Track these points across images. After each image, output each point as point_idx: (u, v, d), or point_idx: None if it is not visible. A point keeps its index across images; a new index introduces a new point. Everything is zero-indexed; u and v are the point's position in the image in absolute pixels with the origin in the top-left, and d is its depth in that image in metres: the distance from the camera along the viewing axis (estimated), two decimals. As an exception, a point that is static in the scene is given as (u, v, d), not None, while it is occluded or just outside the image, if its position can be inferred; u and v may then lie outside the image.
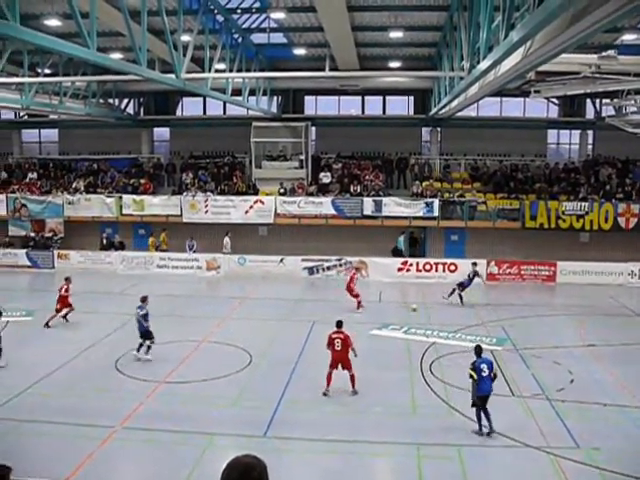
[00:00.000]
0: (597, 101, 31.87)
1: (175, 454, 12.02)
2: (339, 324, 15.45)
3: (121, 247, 32.38)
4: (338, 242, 31.00)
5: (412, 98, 35.19)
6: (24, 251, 32.00)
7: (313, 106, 36.25)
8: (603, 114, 29.54)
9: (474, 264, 25.27)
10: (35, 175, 35.53)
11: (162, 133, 38.36)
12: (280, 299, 25.57)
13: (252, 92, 28.16)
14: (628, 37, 21.78)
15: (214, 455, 11.94)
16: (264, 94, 30.40)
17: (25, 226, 33.77)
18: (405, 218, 30.31)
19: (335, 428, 13.29)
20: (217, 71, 22.69)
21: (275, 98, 34.34)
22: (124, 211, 32.08)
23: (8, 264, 31.37)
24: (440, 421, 13.68)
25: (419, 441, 12.62)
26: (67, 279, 21.97)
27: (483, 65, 14.20)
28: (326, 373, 15.02)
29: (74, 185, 33.76)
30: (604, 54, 16.28)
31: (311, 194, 31.80)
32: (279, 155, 33.82)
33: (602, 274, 28.26)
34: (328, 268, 29.68)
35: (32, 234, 33.54)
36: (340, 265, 29.47)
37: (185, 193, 32.19)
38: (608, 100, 26.89)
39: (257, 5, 21.66)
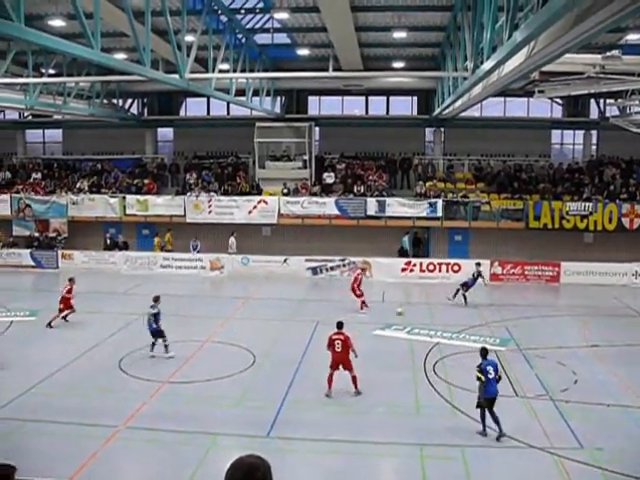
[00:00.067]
0: (601, 101, 31.84)
1: (178, 454, 12.03)
2: (339, 325, 15.42)
3: (125, 247, 32.42)
4: (341, 242, 31.00)
5: (416, 98, 35.14)
6: (28, 251, 32.07)
7: (317, 106, 36.24)
8: (607, 114, 29.54)
9: (478, 264, 25.24)
10: (39, 175, 35.60)
11: (166, 133, 38.41)
12: (284, 299, 25.57)
13: (256, 92, 28.18)
14: (632, 37, 21.70)
15: (217, 455, 11.95)
16: (268, 94, 30.41)
17: (29, 226, 33.85)
18: (409, 218, 30.31)
19: (338, 428, 13.28)
20: (221, 71, 22.72)
21: (279, 98, 34.36)
22: (128, 211, 32.14)
23: (12, 264, 31.43)
24: (444, 421, 13.66)
25: (422, 441, 12.61)
26: (71, 280, 22.01)
27: (487, 65, 14.20)
28: (327, 375, 15.03)
29: (78, 185, 33.83)
30: (608, 54, 16.24)
31: (315, 194, 31.81)
32: (282, 155, 33.84)
33: (606, 274, 28.22)
34: (332, 268, 29.68)
35: (36, 234, 33.62)
36: (344, 265, 29.46)
37: (189, 193, 32.23)
38: (612, 100, 26.84)
39: (261, 5, 21.67)
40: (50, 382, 15.78)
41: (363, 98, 35.51)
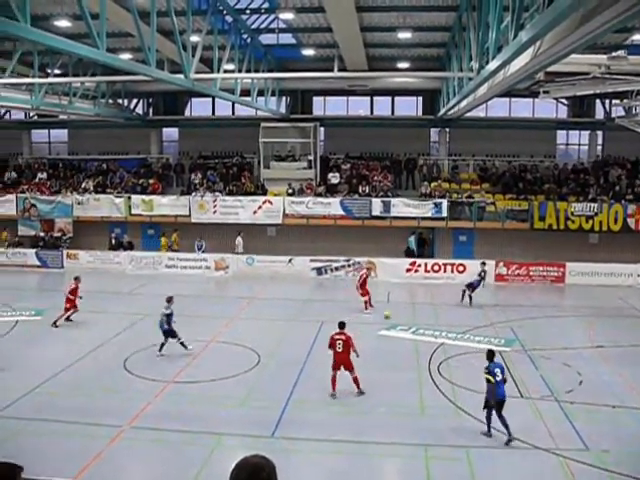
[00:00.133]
0: (607, 101, 31.74)
1: (183, 454, 12.04)
2: (341, 325, 15.42)
3: (130, 247, 32.48)
4: (346, 243, 30.99)
5: (421, 99, 35.14)
6: (33, 251, 32.15)
7: (322, 106, 36.26)
8: (613, 114, 29.41)
9: (483, 263, 25.23)
10: (45, 175, 35.67)
11: (171, 133, 38.45)
12: (288, 299, 25.58)
13: (261, 92, 28.17)
14: (638, 37, 21.67)
15: (222, 455, 11.96)
16: (273, 94, 30.42)
17: (34, 226, 33.91)
18: (413, 219, 30.29)
19: (343, 428, 13.29)
20: (226, 71, 22.70)
21: (284, 98, 34.37)
22: (133, 211, 32.20)
23: (18, 264, 31.53)
24: (448, 422, 13.65)
25: (427, 442, 12.60)
26: (76, 278, 22.11)
27: (492, 65, 14.16)
28: (330, 376, 15.03)
29: (83, 185, 33.90)
30: (614, 54, 16.19)
31: (319, 194, 31.80)
32: (287, 155, 33.84)
33: (611, 275, 28.17)
34: (336, 269, 29.68)
35: (41, 234, 33.67)
36: (348, 266, 29.46)
37: (194, 193, 32.26)
38: (618, 100, 26.75)
39: (266, 6, 21.67)
40: (55, 382, 15.82)
41: (368, 98, 35.50)
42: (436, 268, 29.15)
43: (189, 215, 31.68)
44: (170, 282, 27.77)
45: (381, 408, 14.35)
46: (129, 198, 32.34)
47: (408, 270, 29.22)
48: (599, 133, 34.59)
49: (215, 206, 31.55)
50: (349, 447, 12.47)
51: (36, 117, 36.47)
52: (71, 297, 21.54)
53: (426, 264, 29.33)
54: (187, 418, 13.60)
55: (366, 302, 23.35)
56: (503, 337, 20.01)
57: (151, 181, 33.90)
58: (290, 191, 32.05)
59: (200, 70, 20.96)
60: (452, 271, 28.87)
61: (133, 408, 14.08)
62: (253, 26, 24.01)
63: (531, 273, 28.76)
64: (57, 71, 26.38)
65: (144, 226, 33.70)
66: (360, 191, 31.94)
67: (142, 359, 17.72)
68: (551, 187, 31.38)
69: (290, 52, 27.92)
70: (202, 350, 18.57)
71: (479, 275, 24.70)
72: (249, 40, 24.93)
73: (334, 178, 33.15)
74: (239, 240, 30.70)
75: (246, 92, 26.33)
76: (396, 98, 35.42)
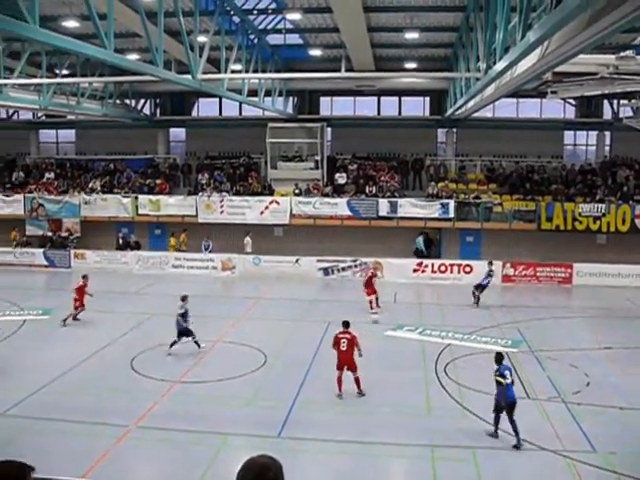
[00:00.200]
0: (614, 102, 31.62)
1: (189, 454, 12.06)
2: (346, 324, 15.43)
3: (137, 247, 32.53)
4: (353, 243, 30.98)
5: (428, 99, 35.09)
6: (41, 250, 32.26)
7: (329, 107, 36.24)
8: (621, 115, 29.28)
9: (490, 263, 25.19)
10: (52, 175, 35.77)
11: (178, 133, 38.50)
12: (295, 300, 25.59)
13: (268, 93, 28.19)
14: (646, 37, 21.62)
15: (228, 455, 11.98)
16: (280, 95, 30.44)
17: (42, 226, 34.02)
18: (420, 219, 30.25)
19: (350, 429, 13.29)
20: (233, 72, 22.74)
21: (291, 99, 34.39)
22: (140, 211, 32.26)
23: (25, 263, 31.66)
24: (455, 423, 13.63)
25: (434, 443, 12.59)
26: (84, 276, 22.28)
27: (499, 66, 14.14)
28: (335, 377, 15.02)
29: (91, 185, 33.98)
30: (622, 54, 16.13)
31: (326, 195, 31.79)
32: (294, 156, 33.84)
33: (619, 276, 28.08)
34: (343, 269, 29.67)
35: (49, 234, 33.78)
36: (355, 266, 29.45)
37: (201, 193, 32.29)
38: (626, 101, 26.62)
39: (273, 6, 21.68)
40: (62, 381, 15.86)
41: (375, 99, 35.45)
42: (443, 269, 29.12)
43: (196, 215, 31.73)
44: (177, 282, 27.80)
45: (387, 408, 14.34)
46: (136, 198, 32.40)
47: (415, 271, 29.19)
48: (607, 134, 34.45)
49: (222, 206, 31.59)
50: (355, 447, 12.47)
51: (44, 117, 36.55)
52: (77, 297, 21.64)
53: (433, 265, 29.30)
54: (193, 418, 13.63)
55: (371, 302, 23.32)
56: (510, 338, 19.97)
57: (158, 181, 33.96)
58: (297, 191, 32.05)
59: (207, 70, 20.99)
60: (459, 272, 28.83)
61: (140, 408, 14.11)
62: (260, 26, 24.05)
63: (538, 274, 28.69)
64: (65, 71, 26.46)
65: (151, 226, 33.77)
66: (367, 191, 31.92)
67: (149, 359, 17.76)
68: (558, 188, 31.30)
69: (297, 52, 27.94)
70: (209, 350, 18.59)
71: (488, 275, 24.65)
72: (256, 40, 24.96)
73: (341, 178, 33.14)
74: (248, 240, 30.73)
75: (253, 92, 26.36)
76: (403, 98, 35.37)
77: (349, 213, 30.66)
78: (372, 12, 21.06)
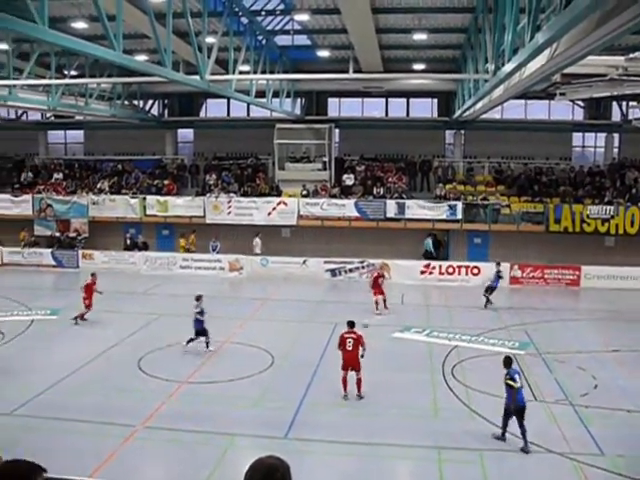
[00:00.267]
0: (623, 104, 31.55)
1: (196, 454, 12.07)
2: (351, 324, 15.43)
3: (145, 247, 32.59)
4: (361, 244, 30.95)
5: (436, 100, 35.03)
6: (49, 251, 32.37)
7: (336, 108, 36.23)
8: (630, 117, 29.25)
9: (498, 264, 25.14)
10: (60, 175, 35.88)
11: (186, 134, 38.56)
12: (302, 301, 25.59)
13: (276, 94, 28.21)
14: (656, 39, 21.49)
15: (235, 455, 12.00)
16: (288, 96, 30.46)
17: (50, 226, 34.13)
18: (428, 221, 30.21)
19: (356, 430, 13.28)
20: (241, 73, 22.76)
21: (299, 100, 34.41)
22: (148, 212, 32.33)
23: (33, 263, 31.77)
24: (462, 425, 13.61)
25: (440, 444, 12.57)
26: (93, 274, 22.52)
27: (508, 67, 14.11)
28: (341, 377, 15.01)
29: (99, 186, 34.09)
30: (631, 56, 16.04)
31: (334, 196, 31.78)
32: (302, 157, 33.87)
33: (627, 278, 27.94)
34: (350, 270, 29.65)
35: (57, 234, 33.88)
36: (363, 267, 29.42)
37: (208, 194, 32.33)
38: (635, 102, 26.58)
39: (281, 7, 21.70)
40: (69, 381, 15.91)
41: (383, 100, 35.43)
42: (450, 270, 29.07)
43: (204, 216, 31.77)
44: (184, 283, 27.88)
45: (394, 410, 14.33)
46: (144, 199, 32.47)
47: (422, 272, 29.16)
48: (615, 135, 34.32)
49: (230, 207, 31.63)
50: (362, 449, 12.46)
51: (52, 118, 36.67)
52: (85, 295, 21.75)
53: (440, 266, 29.25)
54: (201, 418, 13.65)
55: (376, 302, 23.36)
56: (517, 340, 19.92)
57: (166, 182, 34.01)
58: (305, 192, 32.06)
59: (215, 71, 21.02)
60: (467, 273, 28.77)
61: (147, 408, 14.14)
62: (268, 27, 24.06)
63: (546, 276, 28.61)
64: (74, 72, 26.53)
65: (159, 227, 33.84)
66: (375, 193, 31.91)
67: (156, 359, 17.79)
68: (567, 189, 31.20)
69: (305, 53, 27.95)
70: (216, 351, 18.61)
71: (498, 276, 24.59)
72: (264, 41, 24.99)
73: (349, 180, 33.13)
74: (257, 241, 30.75)
75: (261, 93, 26.37)
76: (411, 100, 35.33)
77: (357, 214, 30.65)
78: (380, 13, 21.05)
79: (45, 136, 39.16)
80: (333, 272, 29.80)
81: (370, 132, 34.55)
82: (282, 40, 25.81)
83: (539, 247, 30.00)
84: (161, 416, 13.84)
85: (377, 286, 23.52)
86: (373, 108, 36.11)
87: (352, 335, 15.10)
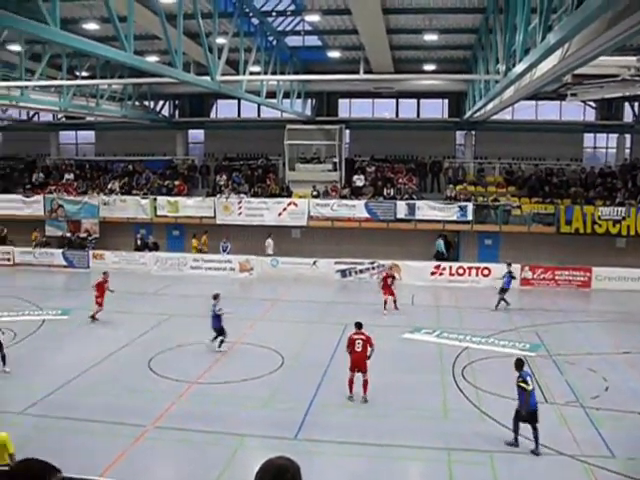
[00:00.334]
0: (636, 104, 31.42)
1: (206, 454, 12.10)
2: (359, 325, 15.41)
3: (155, 248, 32.67)
4: (371, 245, 30.92)
5: (446, 101, 34.96)
6: (60, 251, 32.51)
7: (347, 109, 36.22)
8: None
9: (509, 264, 25.05)
10: (72, 176, 36.05)
11: (197, 135, 38.68)
12: (312, 302, 25.57)
13: (286, 95, 28.25)
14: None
15: (245, 456, 12.02)
16: (298, 97, 30.49)
17: (61, 226, 34.28)
18: (438, 222, 30.16)
19: (366, 431, 13.26)
20: (252, 74, 22.79)
21: (309, 101, 34.45)
22: (158, 212, 32.44)
23: (45, 264, 31.91)
24: (472, 426, 13.56)
25: (450, 446, 12.53)
26: (105, 273, 22.71)
27: (519, 68, 14.07)
28: (347, 378, 14.99)
29: (109, 186, 34.20)
30: (643, 56, 16.00)
31: (344, 197, 31.76)
32: (313, 158, 33.90)
33: (639, 280, 27.74)
34: (361, 271, 29.62)
35: (68, 234, 34.03)
36: (373, 268, 29.39)
37: (219, 195, 32.39)
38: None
39: (292, 8, 21.73)
40: (80, 381, 15.96)
41: (394, 101, 35.41)
42: (461, 271, 29.00)
43: (214, 217, 31.83)
44: (195, 283, 27.95)
45: (404, 411, 14.31)
46: (155, 199, 32.58)
47: (433, 273, 29.11)
48: (627, 136, 34.17)
49: (240, 208, 31.68)
50: (372, 450, 12.44)
51: (64, 119, 36.86)
52: (97, 293, 21.90)
53: (451, 267, 29.19)
54: (211, 419, 13.67)
55: (385, 302, 23.39)
56: (528, 342, 19.85)
57: (177, 182, 34.09)
58: (315, 193, 32.06)
59: (226, 72, 21.06)
60: (477, 274, 28.69)
61: (157, 408, 14.18)
62: (279, 28, 24.11)
63: (557, 277, 28.49)
64: (85, 73, 26.68)
65: (169, 227, 33.92)
66: (385, 194, 31.88)
67: (167, 359, 17.83)
68: (578, 191, 31.07)
69: (316, 54, 27.98)
70: (227, 351, 18.63)
71: (510, 276, 24.49)
72: (275, 42, 25.02)
73: (359, 180, 33.13)
74: (269, 242, 30.78)
75: (272, 94, 26.41)
76: (422, 100, 35.28)
77: (367, 215, 30.63)
78: (391, 14, 21.06)
79: (56, 137, 39.38)
80: (343, 273, 29.78)
81: (380, 133, 34.54)
82: (293, 41, 25.85)
83: (550, 248, 29.88)
84: (171, 416, 13.87)
85: (386, 286, 23.55)
86: (383, 109, 36.08)
87: (361, 336, 15.07)
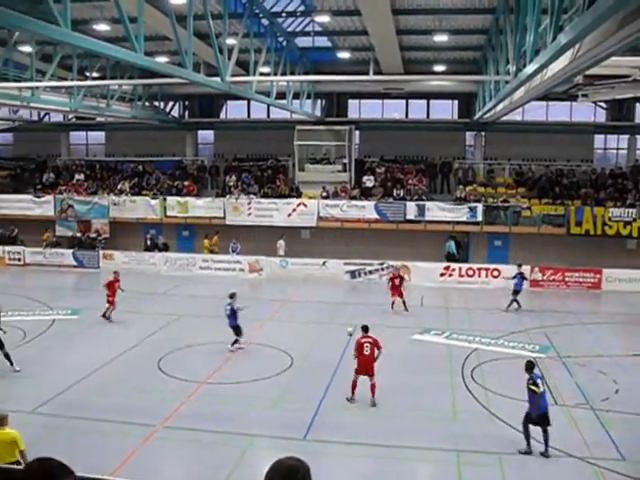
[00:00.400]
0: (647, 105, 31.28)
1: (216, 454, 12.12)
2: (366, 328, 15.37)
3: (165, 248, 32.73)
4: (380, 246, 30.87)
5: (456, 102, 34.91)
6: (70, 251, 32.62)
7: (357, 109, 36.21)
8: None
9: (519, 265, 24.96)
10: (82, 176, 36.22)
11: (206, 136, 38.75)
12: (322, 302, 25.56)
13: (296, 95, 28.28)
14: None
15: (254, 456, 12.03)
16: (308, 97, 30.50)
17: (72, 227, 34.39)
18: (448, 223, 30.14)
19: (375, 432, 13.25)
20: (262, 74, 22.81)
21: (319, 101, 34.46)
22: (168, 213, 32.53)
23: (55, 264, 32.04)
24: (481, 428, 13.52)
25: (459, 447, 12.50)
26: (115, 272, 22.90)
27: (529, 69, 14.02)
28: (352, 380, 14.95)
29: (119, 186, 34.33)
30: (655, 57, 15.92)
31: (354, 198, 31.76)
32: (322, 158, 33.92)
33: (649, 282, 27.67)
34: (370, 272, 29.60)
35: (78, 234, 34.14)
36: (382, 269, 29.35)
37: (228, 195, 32.45)
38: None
39: (302, 9, 21.73)
40: (90, 380, 16.00)
41: (403, 101, 35.37)
42: (470, 273, 28.92)
43: (224, 217, 31.88)
44: (204, 284, 28.01)
45: (413, 412, 14.28)
46: (164, 200, 32.68)
47: (442, 274, 29.05)
48: (638, 137, 34.03)
49: (250, 208, 31.72)
50: (381, 451, 12.42)
51: (74, 119, 37.05)
52: (109, 292, 22.01)
53: (460, 269, 29.13)
54: (220, 419, 13.68)
55: (393, 302, 23.38)
56: (538, 343, 19.78)
57: (186, 183, 34.18)
58: (324, 194, 32.07)
59: (236, 73, 21.09)
60: (487, 276, 28.62)
61: (166, 408, 14.20)
62: (289, 29, 24.12)
63: (567, 279, 28.37)
64: (95, 74, 26.77)
65: (179, 228, 34.00)
66: (395, 195, 31.86)
67: (176, 359, 17.87)
68: (588, 192, 30.95)
69: (325, 55, 28.00)
70: (236, 352, 18.66)
71: (522, 278, 24.41)
72: (285, 43, 25.05)
73: (369, 181, 33.13)
74: (281, 243, 30.80)
75: (281, 95, 26.44)
76: (431, 101, 35.25)
77: (376, 216, 30.61)
78: (401, 14, 21.02)
79: (67, 137, 39.54)
80: (353, 274, 29.76)
81: (390, 134, 34.51)
82: (302, 42, 25.89)
83: (560, 250, 29.75)
84: (181, 416, 13.90)
85: (394, 287, 23.56)
86: (393, 110, 36.05)
87: (369, 339, 15.05)
